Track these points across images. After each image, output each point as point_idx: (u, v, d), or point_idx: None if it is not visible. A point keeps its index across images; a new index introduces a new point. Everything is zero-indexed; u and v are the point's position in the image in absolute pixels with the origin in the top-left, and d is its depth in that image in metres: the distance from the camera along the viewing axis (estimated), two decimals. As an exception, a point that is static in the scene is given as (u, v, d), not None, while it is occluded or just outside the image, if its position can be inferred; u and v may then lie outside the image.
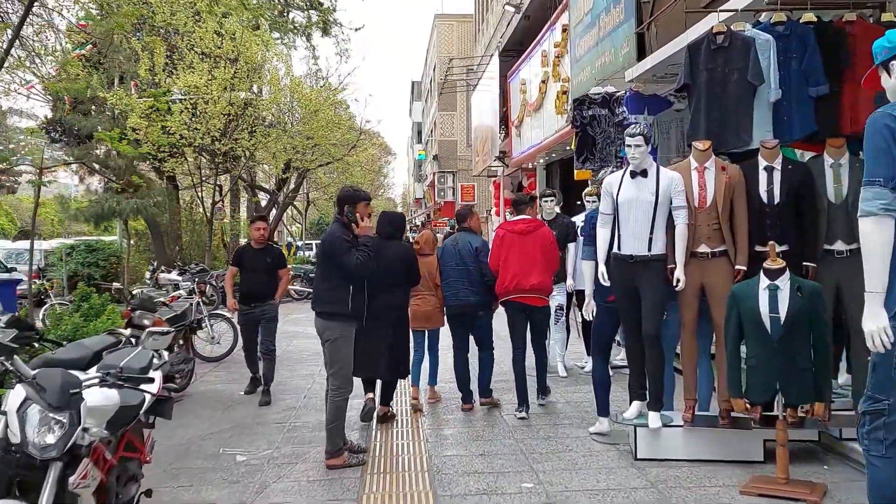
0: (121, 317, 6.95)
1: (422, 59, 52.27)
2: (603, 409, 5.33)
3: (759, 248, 4.74)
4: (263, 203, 26.45)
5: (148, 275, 14.65)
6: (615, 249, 4.88)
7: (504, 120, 17.18)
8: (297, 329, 12.11)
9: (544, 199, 7.54)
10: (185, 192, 21.34)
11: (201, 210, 17.76)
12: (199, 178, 18.55)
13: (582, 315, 8.45)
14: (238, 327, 9.17)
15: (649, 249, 4.72)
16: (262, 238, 7.20)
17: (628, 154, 4.81)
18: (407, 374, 6.24)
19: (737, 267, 4.70)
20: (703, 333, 4.95)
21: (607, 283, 4.94)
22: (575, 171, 10.75)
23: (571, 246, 7.47)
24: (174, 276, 15.01)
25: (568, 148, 13.28)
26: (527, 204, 6.81)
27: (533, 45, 13.50)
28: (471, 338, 6.59)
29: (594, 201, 7.59)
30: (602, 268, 4.96)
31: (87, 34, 17.50)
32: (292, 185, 22.19)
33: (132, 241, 20.52)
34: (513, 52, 16.57)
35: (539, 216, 7.57)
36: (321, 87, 19.08)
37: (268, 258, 7.18)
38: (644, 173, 4.78)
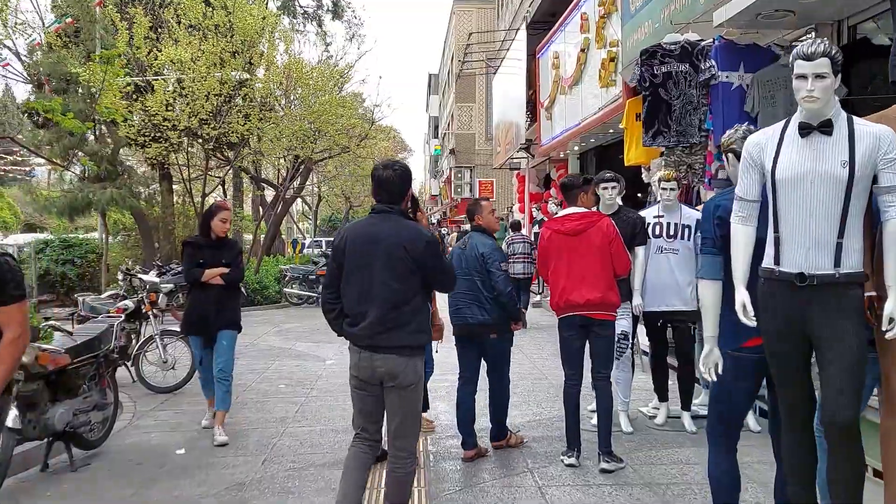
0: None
1: (438, 52, 50.25)
2: (728, 526, 3.23)
3: None
4: (269, 198, 24.65)
5: (120, 276, 12.68)
6: (769, 263, 2.79)
7: (531, 104, 15.07)
8: (285, 345, 10.10)
9: (604, 185, 5.48)
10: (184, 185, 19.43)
11: (198, 202, 15.82)
12: (190, 167, 16.64)
13: (643, 338, 6.41)
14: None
15: (837, 264, 2.63)
16: None
17: (799, 94, 2.72)
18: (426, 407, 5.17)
19: None
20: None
21: (753, 322, 2.84)
22: (625, 155, 8.71)
23: (640, 250, 5.45)
24: (152, 276, 13.05)
25: (611, 131, 11.19)
26: (579, 188, 4.93)
27: (570, 8, 11.40)
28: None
29: (673, 188, 5.53)
30: (743, 295, 2.85)
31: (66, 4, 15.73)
32: (296, 178, 20.13)
33: (119, 237, 18.68)
34: (542, 24, 14.46)
35: (596, 209, 5.55)
36: (327, 67, 17.04)
37: None
38: (826, 127, 2.68)
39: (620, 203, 5.64)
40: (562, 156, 14.42)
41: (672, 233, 5.50)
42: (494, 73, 20.66)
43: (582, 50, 10.64)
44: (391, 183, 3.34)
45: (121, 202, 14.19)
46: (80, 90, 14.34)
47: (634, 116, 8.64)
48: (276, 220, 20.78)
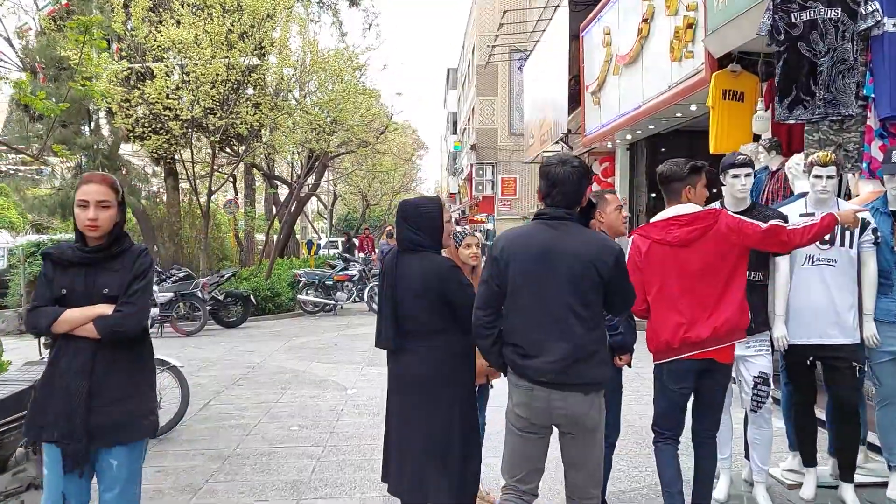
0: None
1: (455, 48, 48.80)
2: None
3: None
4: (283, 195, 23.27)
5: (114, 283, 11.30)
6: None
7: (573, 90, 13.53)
8: (299, 366, 8.63)
9: (735, 171, 3.96)
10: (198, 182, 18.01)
11: (204, 201, 14.36)
12: (195, 162, 15.28)
13: (788, 380, 4.69)
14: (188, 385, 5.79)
15: None
16: None
17: None
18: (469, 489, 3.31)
19: None
20: None
21: None
22: (712, 141, 7.21)
23: (783, 261, 3.98)
24: (150, 284, 11.70)
25: (679, 115, 9.65)
26: (684, 181, 3.54)
27: (626, -26, 9.86)
28: None
29: (831, 175, 4.02)
30: None
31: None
32: (311, 174, 18.71)
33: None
34: (585, 1, 12.92)
35: (721, 203, 4.09)
36: (346, 50, 15.56)
37: None
38: None
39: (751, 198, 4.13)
40: (609, 146, 12.89)
41: (827, 237, 3.97)
42: (525, 60, 19.13)
43: (644, 20, 9.09)
44: (569, 182, 2.81)
45: (117, 200, 12.80)
46: (75, 76, 13.01)
47: (721, 93, 7.19)
48: (289, 220, 19.40)
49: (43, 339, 6.37)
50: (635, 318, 3.58)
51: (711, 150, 7.16)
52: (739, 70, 7.15)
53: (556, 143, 15.18)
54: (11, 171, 31.66)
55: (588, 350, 2.73)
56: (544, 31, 15.60)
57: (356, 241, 23.94)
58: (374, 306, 13.65)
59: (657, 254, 3.43)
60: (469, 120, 41.48)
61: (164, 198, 17.18)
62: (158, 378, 5.78)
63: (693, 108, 8.69)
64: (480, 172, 37.14)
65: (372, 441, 5.34)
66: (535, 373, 2.74)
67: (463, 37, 44.69)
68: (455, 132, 49.87)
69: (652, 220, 3.66)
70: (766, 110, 6.70)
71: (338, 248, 28.05)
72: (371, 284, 14.49)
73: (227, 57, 12.59)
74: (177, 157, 15.07)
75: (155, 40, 12.33)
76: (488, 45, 23.69)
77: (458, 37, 48.12)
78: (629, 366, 3.57)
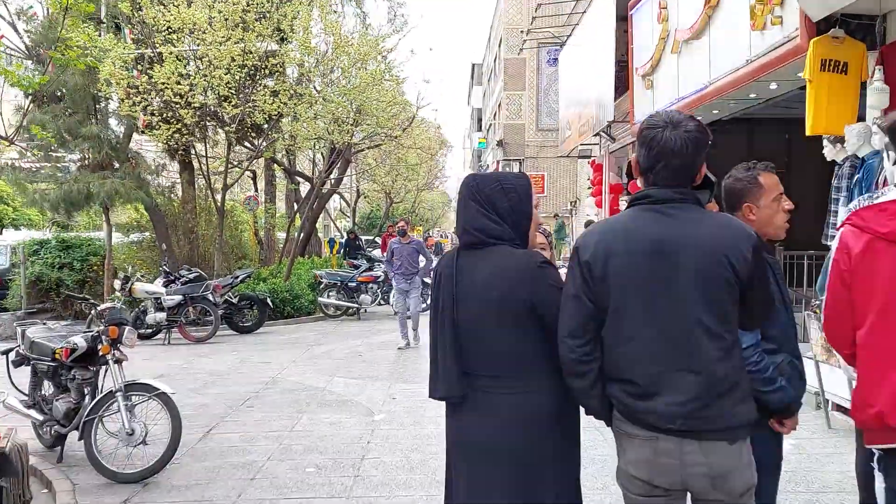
0: None
1: (479, 43, 47.70)
2: None
3: None
4: (304, 192, 22.33)
5: (118, 284, 10.36)
6: None
7: (618, 74, 12.33)
8: (318, 382, 7.56)
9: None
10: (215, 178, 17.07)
11: (219, 196, 13.34)
12: (209, 155, 14.34)
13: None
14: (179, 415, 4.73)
15: None
16: None
17: None
18: None
19: None
20: None
21: None
22: (809, 120, 6.03)
23: None
24: (157, 286, 10.74)
25: (753, 95, 8.43)
26: None
27: (690, -62, 8.66)
28: None
29: None
30: None
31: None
32: (333, 170, 17.71)
33: (134, 237, 16.39)
34: (635, -25, 11.70)
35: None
36: (369, 37, 14.51)
37: None
38: None
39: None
40: (658, 136, 11.66)
41: None
42: (559, 50, 17.95)
43: (714, -13, 7.90)
44: (681, 153, 2.00)
45: (125, 194, 11.87)
46: (56, 46, 12.15)
47: (820, 64, 6.01)
48: (311, 217, 18.40)
49: (12, 355, 5.38)
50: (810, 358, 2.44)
51: (808, 132, 5.99)
52: (843, 36, 5.96)
53: (597, 134, 14.02)
54: (34, 168, 31.17)
55: (729, 381, 1.98)
56: (584, 13, 14.42)
57: (386, 240, 22.90)
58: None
59: (882, 257, 2.12)
60: (495, 115, 40.36)
61: (179, 193, 16.27)
62: (143, 407, 4.77)
63: (773, 86, 7.50)
64: (507, 169, 36.06)
65: (406, 491, 4.26)
66: (658, 418, 1.98)
67: (488, 31, 43.56)
68: (479, 129, 48.83)
69: (874, 202, 2.33)
70: (883, 81, 5.55)
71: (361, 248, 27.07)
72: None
73: (242, 40, 11.64)
74: (192, 150, 14.17)
75: (164, 19, 11.39)
76: (521, 31, 22.55)
77: (481, 32, 46.98)
78: (794, 428, 2.41)
